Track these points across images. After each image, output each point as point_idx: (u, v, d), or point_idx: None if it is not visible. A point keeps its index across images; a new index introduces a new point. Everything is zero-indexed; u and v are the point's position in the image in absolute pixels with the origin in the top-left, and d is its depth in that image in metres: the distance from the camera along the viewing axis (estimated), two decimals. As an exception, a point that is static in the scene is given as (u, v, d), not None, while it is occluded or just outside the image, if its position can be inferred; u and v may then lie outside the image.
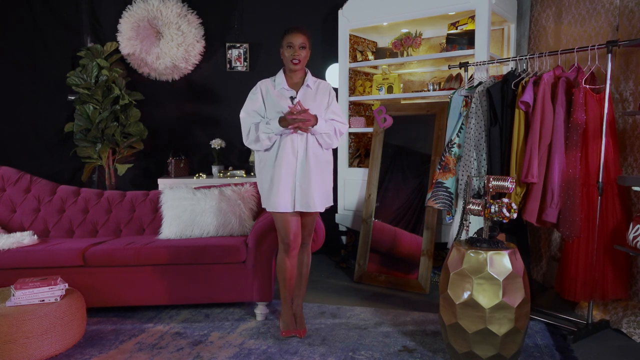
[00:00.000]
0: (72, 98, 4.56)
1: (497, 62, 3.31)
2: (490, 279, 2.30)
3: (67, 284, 2.77)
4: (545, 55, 3.03)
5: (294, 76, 2.74)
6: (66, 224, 3.71)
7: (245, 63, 4.79)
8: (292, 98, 2.68)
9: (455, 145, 3.33)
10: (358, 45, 4.54)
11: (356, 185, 4.28)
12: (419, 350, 2.69)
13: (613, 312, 3.00)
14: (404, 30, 4.28)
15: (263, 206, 2.78)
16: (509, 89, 3.04)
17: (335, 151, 4.30)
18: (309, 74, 2.76)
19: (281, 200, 2.64)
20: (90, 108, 4.39)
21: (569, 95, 2.87)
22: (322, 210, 2.76)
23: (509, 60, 3.38)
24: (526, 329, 2.40)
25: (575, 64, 2.94)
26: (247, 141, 2.71)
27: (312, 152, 2.67)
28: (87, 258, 3.11)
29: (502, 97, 3.07)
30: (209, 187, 3.64)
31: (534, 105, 2.91)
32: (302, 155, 2.66)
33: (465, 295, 2.34)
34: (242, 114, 2.74)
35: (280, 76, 2.74)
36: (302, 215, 2.77)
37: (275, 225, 2.83)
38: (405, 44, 4.21)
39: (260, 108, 2.71)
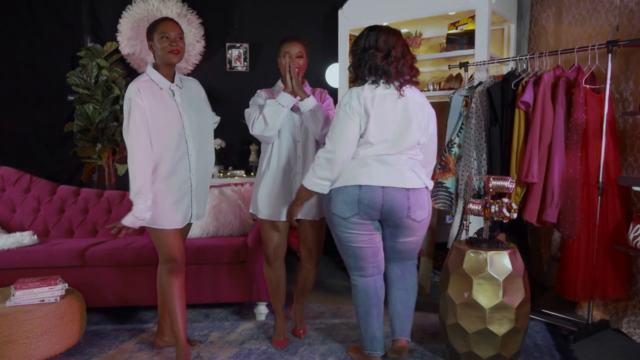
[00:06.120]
0: (72, 98, 4.56)
1: (497, 62, 3.30)
2: (490, 279, 2.31)
3: (67, 284, 2.77)
4: (545, 55, 3.03)
5: None
6: (66, 224, 3.71)
7: (245, 63, 4.79)
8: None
9: (455, 145, 3.32)
10: (358, 45, 4.53)
11: (356, 185, 4.26)
12: (419, 350, 2.69)
13: (613, 312, 3.00)
14: (404, 30, 4.27)
15: (251, 211, 2.71)
16: (509, 89, 3.03)
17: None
18: (307, 84, 2.71)
19: (284, 207, 2.58)
20: (90, 108, 4.39)
21: (569, 95, 2.87)
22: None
23: (509, 60, 3.38)
24: (526, 329, 2.41)
25: (576, 64, 2.93)
26: (255, 126, 2.51)
27: (312, 158, 2.62)
28: (87, 258, 3.11)
29: (502, 97, 3.06)
30: (209, 187, 3.63)
31: (534, 105, 2.91)
32: (301, 155, 2.64)
33: (465, 295, 2.34)
34: (246, 110, 2.63)
35: (279, 85, 2.70)
36: (309, 225, 2.68)
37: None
38: (405, 44, 4.20)
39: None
